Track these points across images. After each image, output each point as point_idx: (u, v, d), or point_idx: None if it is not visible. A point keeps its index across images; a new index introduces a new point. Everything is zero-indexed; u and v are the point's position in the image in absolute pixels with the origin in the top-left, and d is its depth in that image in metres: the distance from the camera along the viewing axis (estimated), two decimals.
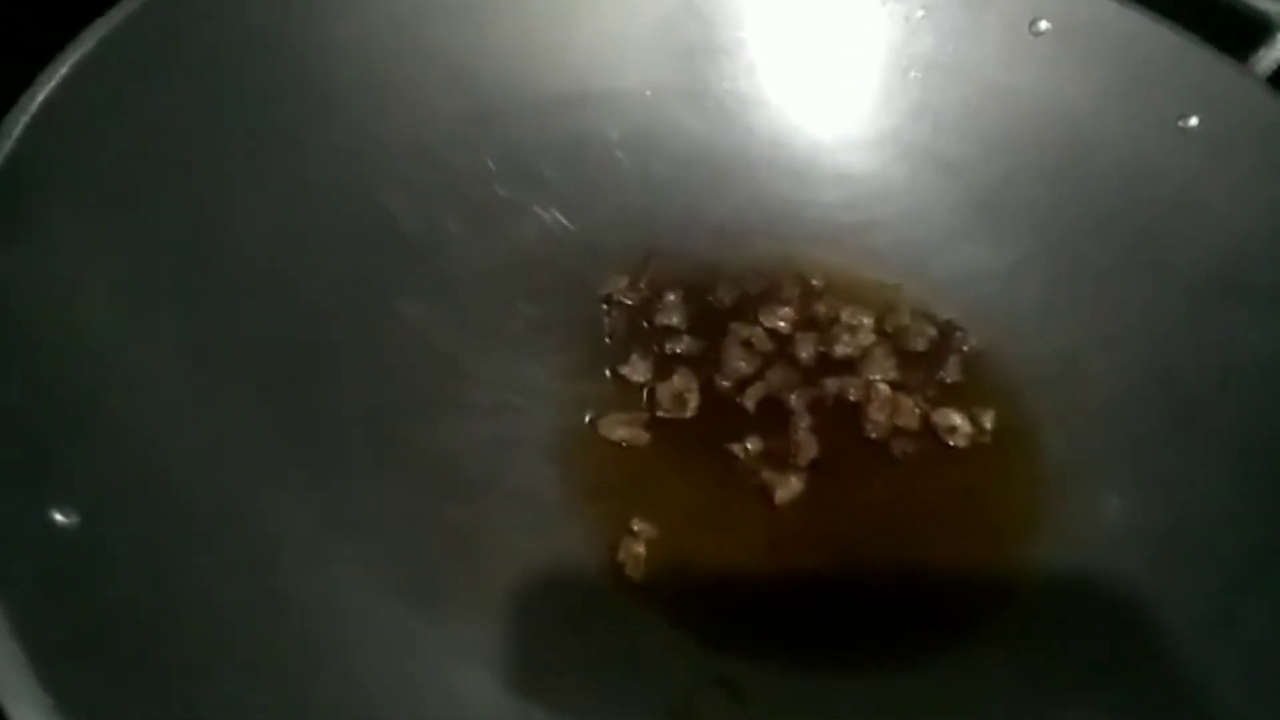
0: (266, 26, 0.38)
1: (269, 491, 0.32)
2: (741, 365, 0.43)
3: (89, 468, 0.26)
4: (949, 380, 0.44)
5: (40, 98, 0.30)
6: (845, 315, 0.45)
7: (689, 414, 0.42)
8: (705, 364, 0.43)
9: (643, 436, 0.40)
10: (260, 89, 0.38)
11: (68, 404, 0.26)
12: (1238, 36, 0.47)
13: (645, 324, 0.44)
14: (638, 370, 0.42)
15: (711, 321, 0.45)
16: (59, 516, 0.24)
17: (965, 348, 0.45)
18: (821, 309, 0.46)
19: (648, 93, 0.48)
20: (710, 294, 0.46)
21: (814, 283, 0.47)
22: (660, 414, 0.41)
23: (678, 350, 0.44)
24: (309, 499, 0.33)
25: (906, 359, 0.44)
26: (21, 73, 0.31)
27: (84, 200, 0.30)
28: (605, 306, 0.45)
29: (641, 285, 0.45)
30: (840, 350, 0.44)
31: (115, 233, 0.31)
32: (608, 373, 0.43)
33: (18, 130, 0.29)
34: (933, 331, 0.45)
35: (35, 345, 0.26)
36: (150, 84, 0.34)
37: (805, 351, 0.44)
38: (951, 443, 0.42)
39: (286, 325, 0.36)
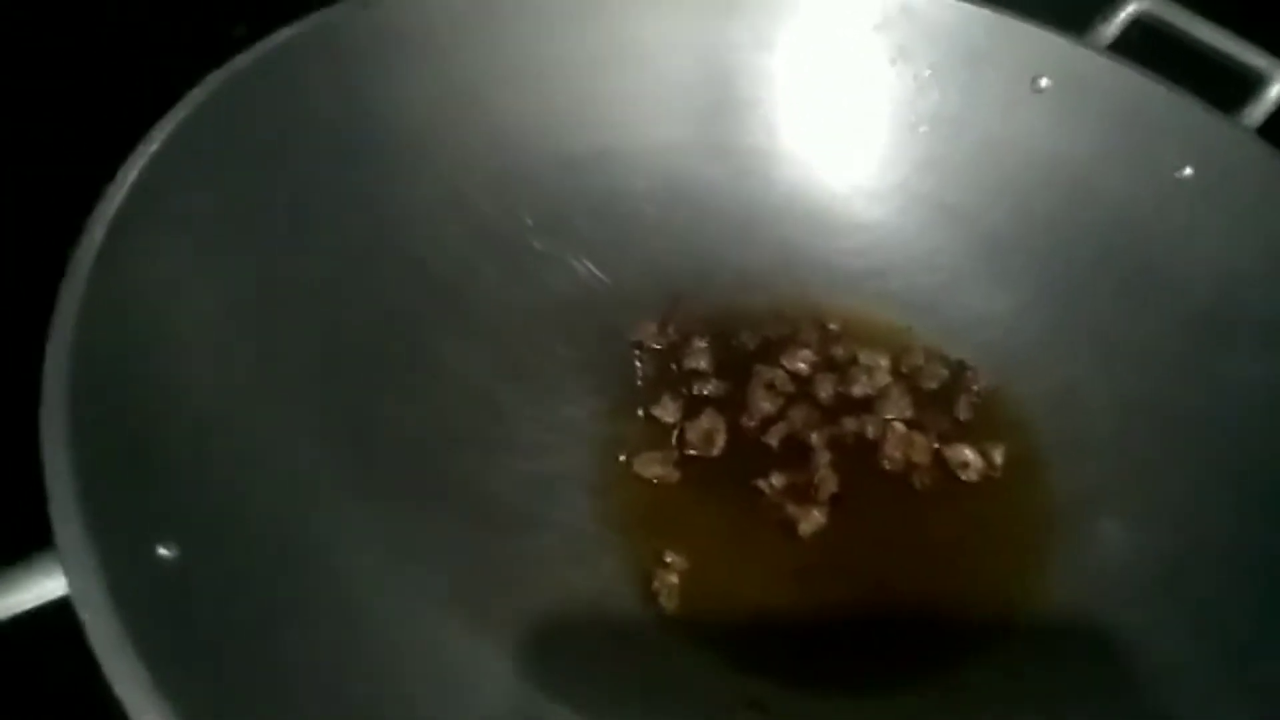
0: (329, 102, 0.41)
1: (335, 524, 0.34)
2: (765, 406, 0.45)
3: (184, 506, 0.29)
4: (961, 418, 0.46)
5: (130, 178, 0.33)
6: (863, 357, 0.47)
7: (716, 452, 0.44)
8: (731, 405, 0.45)
9: (674, 474, 0.42)
10: (316, 154, 0.40)
11: (168, 451, 0.29)
12: (1228, 90, 0.49)
13: (674, 367, 0.47)
14: (668, 411, 0.45)
15: (736, 364, 0.47)
16: (162, 550, 0.26)
17: (975, 386, 0.47)
18: (840, 351, 0.48)
19: (671, 148, 0.50)
20: (734, 338, 0.48)
21: (831, 327, 0.49)
22: (689, 452, 0.44)
23: (705, 392, 0.46)
24: (369, 530, 0.35)
25: (921, 398, 0.46)
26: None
27: (181, 260, 0.33)
28: (636, 351, 0.47)
29: (670, 330, 0.47)
30: (858, 390, 0.46)
31: (204, 285, 0.34)
32: (640, 413, 0.45)
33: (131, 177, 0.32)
34: (944, 371, 0.47)
35: (142, 398, 0.29)
36: (223, 152, 0.37)
37: (825, 391, 0.46)
38: (964, 477, 0.44)
39: (345, 371, 0.38)
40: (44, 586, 0.24)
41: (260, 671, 0.28)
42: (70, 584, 0.24)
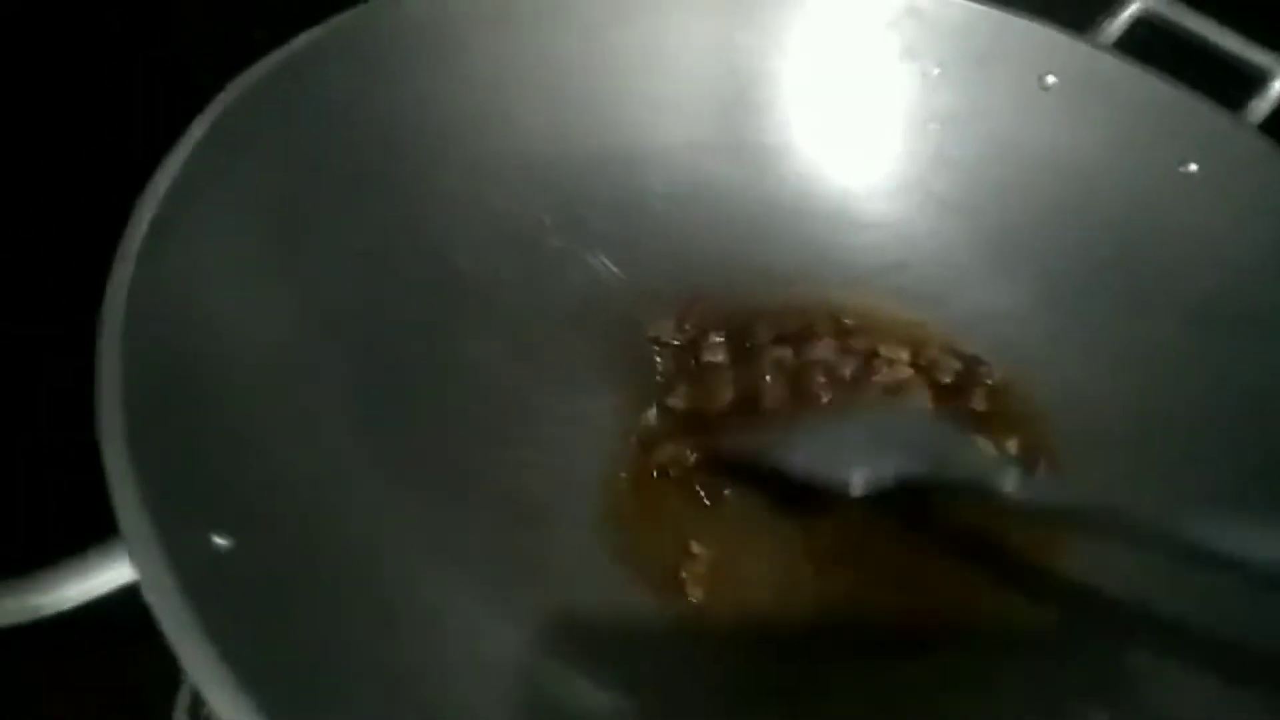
0: (355, 102, 0.42)
1: (371, 512, 0.35)
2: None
3: (235, 497, 0.29)
4: (976, 409, 0.47)
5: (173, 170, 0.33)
6: (883, 350, 0.48)
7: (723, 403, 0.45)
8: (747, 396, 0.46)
9: (688, 458, 0.43)
10: (342, 154, 0.41)
11: (218, 444, 0.30)
12: (1232, 87, 0.50)
13: (691, 362, 0.47)
14: (684, 400, 0.46)
15: (752, 359, 0.48)
16: (218, 540, 0.27)
17: (989, 380, 0.48)
18: (857, 344, 0.49)
19: (687, 148, 0.51)
20: (750, 333, 0.49)
21: (846, 321, 0.50)
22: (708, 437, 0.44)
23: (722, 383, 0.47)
24: (402, 519, 0.36)
25: (938, 391, 0.47)
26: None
27: (218, 256, 0.34)
28: (654, 347, 0.48)
29: (687, 326, 0.48)
30: (879, 379, 0.47)
31: (239, 281, 0.35)
32: (656, 406, 0.45)
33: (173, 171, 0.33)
34: (958, 364, 0.48)
35: (189, 392, 0.30)
36: (252, 152, 0.37)
37: (847, 370, 0.47)
38: None
39: (375, 364, 0.39)
40: (109, 575, 0.25)
41: (310, 650, 0.29)
42: (138, 570, 0.24)
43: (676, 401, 0.46)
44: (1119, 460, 0.45)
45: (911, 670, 0.39)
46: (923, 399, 0.46)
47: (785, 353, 0.47)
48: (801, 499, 0.42)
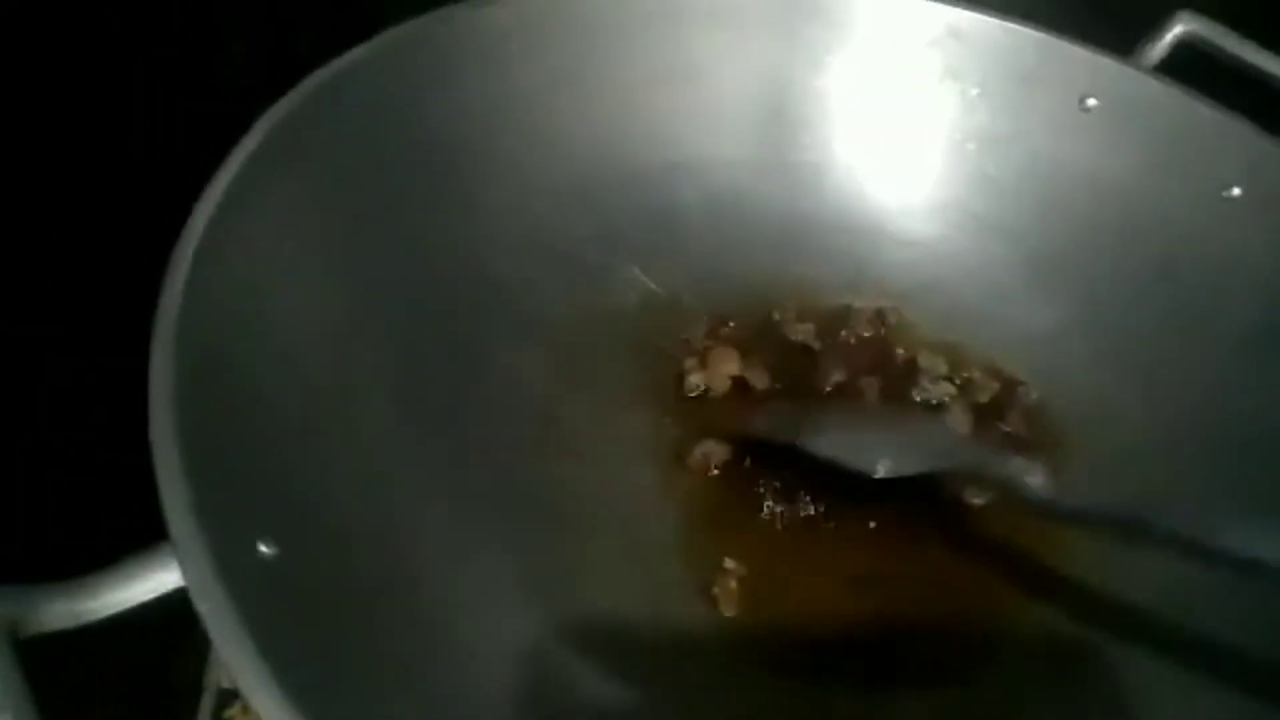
0: (402, 116, 0.42)
1: (412, 521, 0.36)
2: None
3: (281, 505, 0.30)
4: (1011, 430, 0.47)
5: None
6: (922, 360, 0.48)
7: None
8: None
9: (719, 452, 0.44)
10: (386, 167, 0.42)
11: (266, 451, 0.30)
12: (1274, 111, 0.50)
13: (727, 378, 0.47)
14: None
15: (788, 372, 0.48)
16: (264, 548, 0.27)
17: (1026, 402, 0.48)
18: (900, 349, 0.49)
19: (727, 163, 0.51)
20: (786, 347, 0.49)
21: (891, 318, 0.50)
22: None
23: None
24: (443, 528, 0.37)
25: (976, 411, 0.47)
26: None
27: (269, 264, 0.34)
28: (689, 361, 0.47)
29: (722, 335, 0.48)
30: (918, 397, 0.48)
31: (287, 291, 0.35)
32: (692, 422, 0.45)
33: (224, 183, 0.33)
34: (996, 385, 0.48)
35: (238, 399, 0.30)
36: (303, 164, 0.38)
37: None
38: None
39: (417, 374, 0.39)
40: (157, 580, 0.25)
41: (355, 656, 0.29)
42: (186, 577, 0.24)
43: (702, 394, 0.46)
44: (1154, 484, 0.45)
45: (938, 696, 0.39)
46: (960, 419, 0.46)
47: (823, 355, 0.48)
48: (826, 485, 0.42)
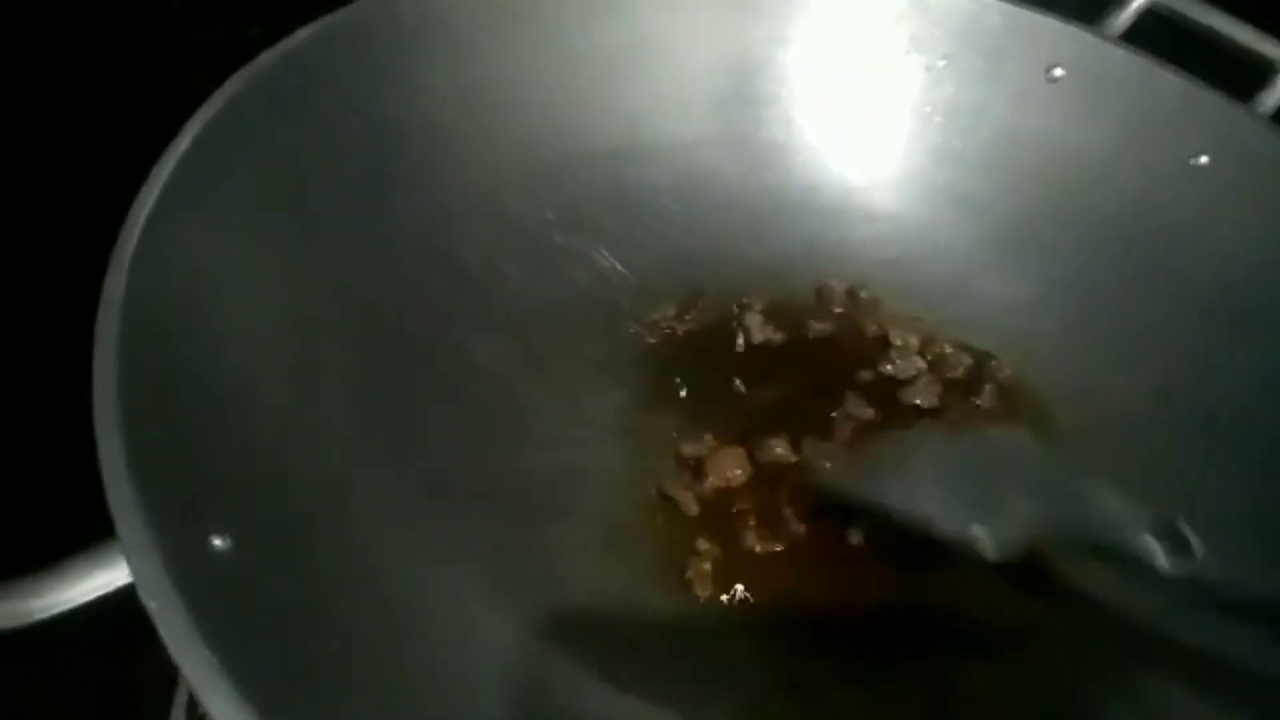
0: (356, 98, 0.41)
1: (374, 513, 0.35)
2: None
3: (234, 498, 0.29)
4: (984, 405, 0.47)
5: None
6: (893, 337, 0.48)
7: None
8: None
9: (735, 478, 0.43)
10: (342, 149, 0.41)
11: (216, 445, 0.29)
12: (1241, 79, 0.49)
13: (695, 358, 0.47)
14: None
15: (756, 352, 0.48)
16: (217, 542, 0.27)
17: (1000, 376, 0.47)
18: (872, 327, 0.49)
19: (691, 142, 0.51)
20: (754, 328, 0.48)
21: (862, 295, 0.50)
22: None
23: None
24: (406, 520, 0.36)
25: (947, 386, 0.47)
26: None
27: (218, 254, 0.33)
28: (656, 342, 0.47)
29: (689, 320, 0.48)
30: (888, 371, 0.47)
31: (241, 280, 0.34)
32: (662, 404, 0.45)
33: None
34: (968, 360, 0.48)
35: (186, 392, 0.29)
36: (251, 147, 0.37)
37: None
38: None
39: (378, 363, 0.39)
40: (106, 577, 0.25)
41: (309, 652, 0.28)
42: (134, 573, 0.24)
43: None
44: (1123, 453, 0.45)
45: (917, 668, 0.39)
46: (929, 393, 0.46)
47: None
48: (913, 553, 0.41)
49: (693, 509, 0.41)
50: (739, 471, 0.43)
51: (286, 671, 0.26)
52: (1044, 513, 0.41)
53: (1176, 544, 0.38)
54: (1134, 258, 0.49)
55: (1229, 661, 0.37)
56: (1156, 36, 0.51)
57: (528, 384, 0.43)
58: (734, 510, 0.42)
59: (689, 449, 0.43)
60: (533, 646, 0.36)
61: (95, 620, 0.25)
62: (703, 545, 0.40)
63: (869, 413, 0.45)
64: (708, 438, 0.44)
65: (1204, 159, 0.48)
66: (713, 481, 0.42)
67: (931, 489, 0.42)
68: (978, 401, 0.47)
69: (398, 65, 0.43)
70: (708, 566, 0.40)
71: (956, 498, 0.41)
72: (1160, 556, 0.39)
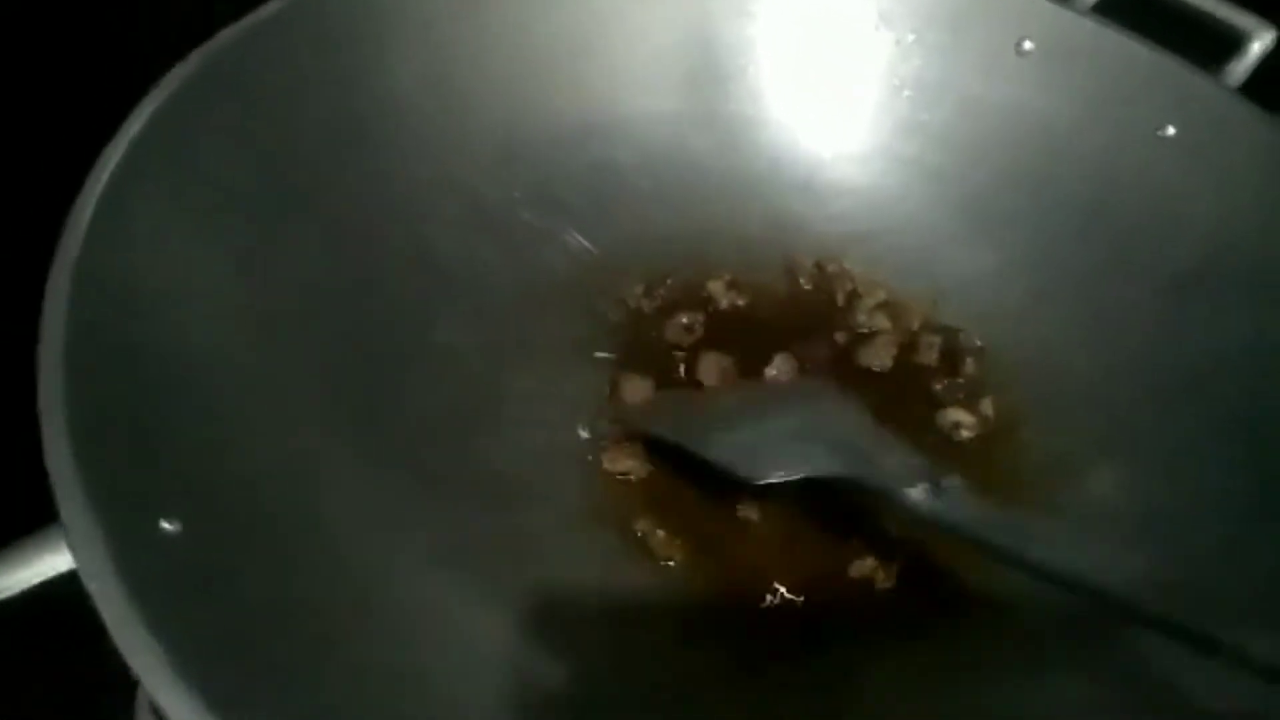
0: (318, 78, 0.41)
1: (337, 498, 0.35)
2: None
3: (186, 481, 0.29)
4: (959, 379, 0.47)
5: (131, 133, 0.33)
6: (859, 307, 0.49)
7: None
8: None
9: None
10: (305, 129, 0.40)
11: (168, 427, 0.29)
12: (1210, 50, 0.49)
13: (664, 334, 0.47)
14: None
15: (724, 327, 0.48)
16: (165, 524, 0.27)
17: (969, 346, 0.48)
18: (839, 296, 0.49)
19: (658, 118, 0.51)
20: (722, 303, 0.49)
21: (830, 268, 0.50)
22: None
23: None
24: (373, 504, 0.36)
25: (902, 351, 0.47)
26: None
27: (175, 234, 0.33)
28: (626, 320, 0.47)
29: (658, 297, 0.48)
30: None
31: (199, 260, 0.34)
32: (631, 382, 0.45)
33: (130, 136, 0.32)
34: (938, 339, 0.48)
35: (139, 373, 0.29)
36: (211, 126, 0.37)
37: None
38: (958, 438, 0.45)
39: (342, 346, 0.39)
40: (50, 562, 0.25)
41: (267, 640, 0.28)
42: (76, 558, 0.24)
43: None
44: (1091, 423, 0.45)
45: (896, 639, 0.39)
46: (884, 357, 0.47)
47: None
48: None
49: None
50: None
51: (240, 661, 0.26)
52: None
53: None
54: (1101, 229, 0.49)
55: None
56: (1125, 8, 0.51)
57: (499, 366, 0.43)
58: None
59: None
60: (505, 630, 0.35)
61: (59, 610, 0.25)
62: (657, 529, 0.40)
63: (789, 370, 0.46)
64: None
65: (1171, 130, 0.48)
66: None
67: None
68: (951, 379, 0.47)
69: (361, 45, 0.43)
70: (666, 542, 0.40)
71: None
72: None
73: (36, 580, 0.25)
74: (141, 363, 0.30)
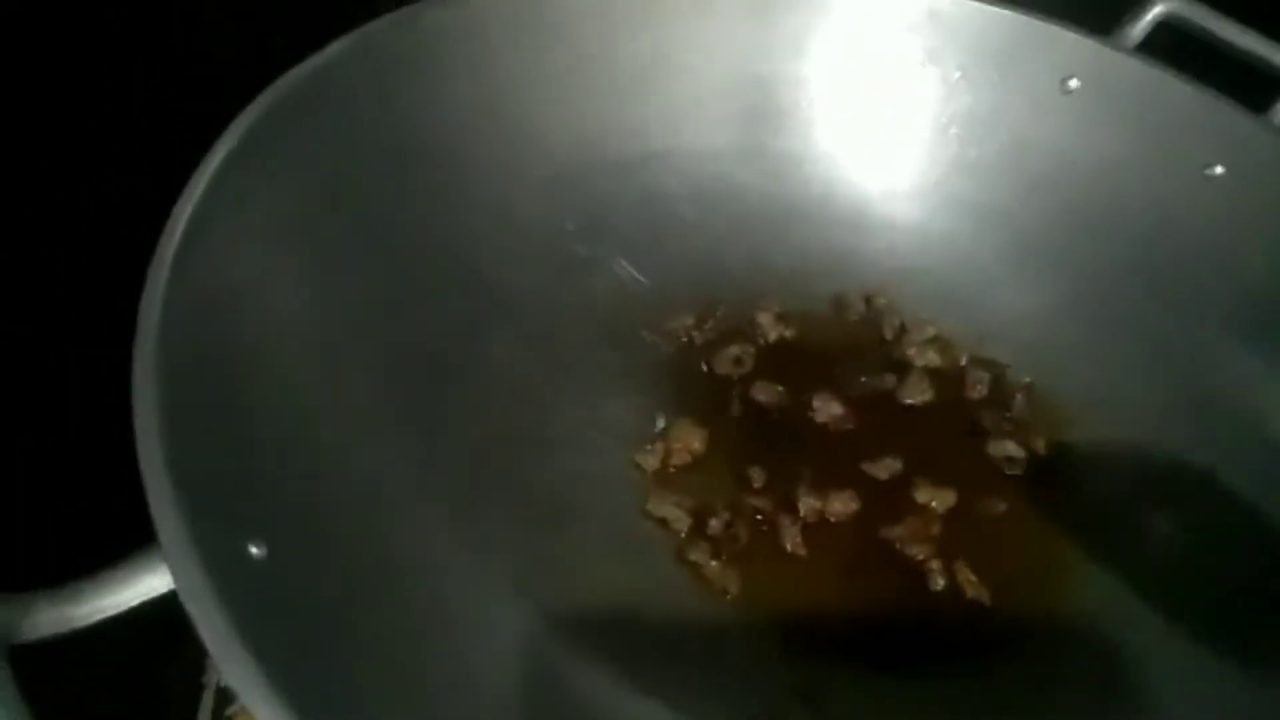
0: (379, 112, 0.42)
1: (401, 518, 0.35)
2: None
3: (270, 506, 0.30)
4: (1009, 415, 0.47)
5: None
6: (908, 343, 0.49)
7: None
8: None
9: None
10: (368, 163, 0.41)
11: (253, 453, 0.30)
12: (1255, 90, 0.50)
13: (712, 365, 0.47)
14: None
15: (773, 361, 0.48)
16: (254, 550, 0.27)
17: (1018, 384, 0.48)
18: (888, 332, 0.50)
19: (710, 152, 0.51)
20: (770, 336, 0.49)
21: (879, 302, 0.51)
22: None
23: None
24: (432, 524, 0.37)
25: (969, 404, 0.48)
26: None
27: (251, 267, 0.34)
28: (675, 350, 0.48)
29: (708, 329, 0.48)
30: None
31: (274, 291, 0.35)
32: (679, 410, 0.45)
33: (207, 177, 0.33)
34: (986, 374, 0.48)
35: (225, 401, 0.30)
36: (280, 164, 0.37)
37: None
38: (1009, 472, 0.45)
39: (405, 372, 0.39)
40: (148, 583, 0.25)
41: (348, 655, 0.29)
42: (176, 581, 0.24)
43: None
44: (1152, 464, 0.45)
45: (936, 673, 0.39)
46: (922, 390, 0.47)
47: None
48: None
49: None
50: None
51: (323, 674, 0.26)
52: None
53: None
54: (1149, 268, 0.49)
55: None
56: (1170, 47, 0.52)
57: (549, 391, 0.44)
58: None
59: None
60: (551, 648, 0.36)
61: (123, 627, 0.26)
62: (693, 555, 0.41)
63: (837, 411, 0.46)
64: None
65: (1219, 169, 0.48)
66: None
67: None
68: (1001, 413, 0.47)
69: (422, 78, 0.44)
70: (730, 567, 0.40)
71: None
72: None
73: (136, 601, 0.25)
74: (227, 386, 0.31)
